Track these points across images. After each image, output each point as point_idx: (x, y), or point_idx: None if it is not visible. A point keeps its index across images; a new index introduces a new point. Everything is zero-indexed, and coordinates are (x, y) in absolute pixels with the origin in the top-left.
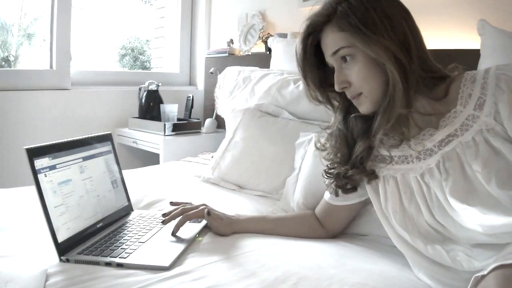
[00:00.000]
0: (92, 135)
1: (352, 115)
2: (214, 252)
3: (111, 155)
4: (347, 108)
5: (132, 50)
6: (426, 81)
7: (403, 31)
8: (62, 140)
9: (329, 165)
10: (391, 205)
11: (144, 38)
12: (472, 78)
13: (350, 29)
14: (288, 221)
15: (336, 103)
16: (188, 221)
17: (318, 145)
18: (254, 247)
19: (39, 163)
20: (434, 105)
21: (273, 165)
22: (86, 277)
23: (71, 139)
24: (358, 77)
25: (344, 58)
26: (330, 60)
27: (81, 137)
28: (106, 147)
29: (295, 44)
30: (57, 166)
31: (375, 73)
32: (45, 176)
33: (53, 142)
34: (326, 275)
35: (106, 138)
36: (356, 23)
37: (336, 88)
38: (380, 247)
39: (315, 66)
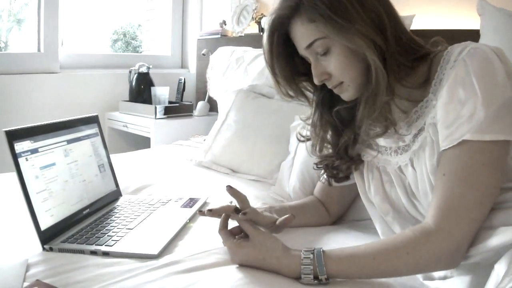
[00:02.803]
0: (77, 117)
1: (336, 108)
2: (206, 239)
3: (98, 138)
4: (324, 97)
5: (124, 35)
6: (404, 63)
7: (376, 10)
8: (45, 122)
9: (317, 157)
10: (374, 190)
11: (136, 23)
12: (448, 59)
13: (321, 19)
14: (306, 209)
15: (309, 94)
16: (180, 206)
17: (300, 137)
18: None
19: (20, 146)
20: (413, 92)
21: (267, 148)
22: (69, 267)
23: (54, 121)
24: (337, 68)
25: (320, 51)
26: (304, 53)
27: (65, 119)
28: (93, 130)
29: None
30: (39, 150)
31: (354, 61)
32: (26, 160)
33: (35, 124)
34: None
35: (92, 120)
36: (326, 12)
37: (316, 81)
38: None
39: (284, 60)
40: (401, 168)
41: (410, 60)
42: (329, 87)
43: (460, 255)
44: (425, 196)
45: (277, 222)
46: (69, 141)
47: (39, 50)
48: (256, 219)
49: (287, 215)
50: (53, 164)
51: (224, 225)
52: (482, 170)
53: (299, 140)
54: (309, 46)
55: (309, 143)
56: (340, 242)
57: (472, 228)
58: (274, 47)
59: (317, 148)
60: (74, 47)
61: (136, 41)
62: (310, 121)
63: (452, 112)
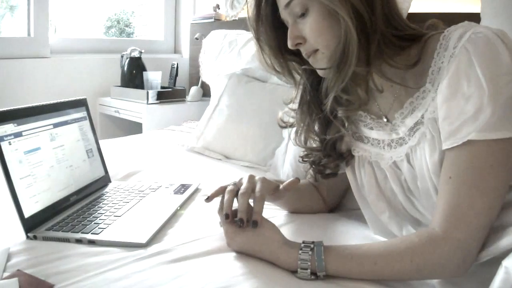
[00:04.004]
0: (65, 100)
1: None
2: (196, 227)
3: (86, 122)
4: (313, 83)
5: (118, 22)
6: (392, 41)
7: None
8: (29, 105)
9: (303, 151)
10: (367, 187)
11: (130, 10)
12: (446, 44)
13: None
14: (300, 193)
15: (297, 77)
16: (171, 193)
17: (282, 123)
18: None
19: (2, 129)
20: (404, 75)
21: (261, 134)
22: (53, 256)
23: (40, 103)
24: (313, 31)
25: (298, 11)
26: (284, 14)
27: (51, 101)
28: (81, 113)
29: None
30: (24, 133)
31: (331, 26)
32: (9, 144)
33: (19, 106)
34: None
35: (80, 104)
36: None
37: (289, 44)
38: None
39: (271, 26)
40: (396, 163)
41: (399, 39)
42: (303, 54)
43: (468, 264)
44: (426, 195)
45: (281, 187)
46: (56, 125)
47: (29, 34)
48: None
49: (291, 179)
50: (38, 148)
51: (228, 205)
52: (490, 172)
53: (280, 126)
54: (288, 4)
55: (293, 130)
56: (338, 231)
57: (481, 235)
58: (262, 5)
59: (302, 138)
60: (67, 34)
61: (130, 28)
62: (293, 106)
63: (455, 108)
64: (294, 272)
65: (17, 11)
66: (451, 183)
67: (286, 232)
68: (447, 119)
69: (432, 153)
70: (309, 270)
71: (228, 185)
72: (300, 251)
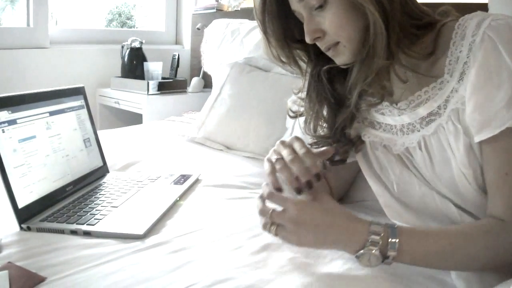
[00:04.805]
0: (62, 87)
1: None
2: (196, 219)
3: (84, 111)
4: (321, 70)
5: (119, 15)
6: (409, 30)
7: None
8: (25, 92)
9: (311, 137)
10: (389, 171)
11: (132, 2)
12: (463, 33)
13: None
14: None
15: (303, 65)
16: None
17: (291, 113)
18: (244, 214)
19: None
20: (419, 64)
21: (264, 124)
22: (46, 248)
23: (36, 90)
24: (333, 24)
25: (314, 3)
26: (296, 7)
27: (48, 89)
28: (78, 102)
29: None
30: (18, 121)
31: (353, 18)
32: (3, 131)
33: (13, 93)
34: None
35: (78, 92)
36: None
37: (307, 39)
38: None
39: (277, 18)
40: (409, 149)
41: (414, 27)
42: (322, 48)
43: None
44: (449, 183)
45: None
46: (52, 113)
47: (28, 24)
48: None
49: (326, 147)
50: (33, 137)
51: (292, 179)
52: None
53: (290, 116)
54: None
55: (302, 119)
56: None
57: None
58: (268, 0)
59: (311, 126)
60: (67, 25)
61: (132, 21)
62: (302, 95)
63: (486, 97)
64: (357, 251)
65: (18, 4)
66: (506, 177)
67: None
68: (478, 109)
69: (457, 144)
70: (378, 248)
71: (270, 163)
72: (372, 225)
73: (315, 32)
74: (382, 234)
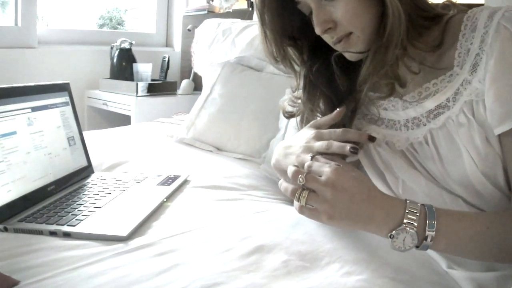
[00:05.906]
0: (45, 82)
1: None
2: (184, 220)
3: (68, 108)
4: (318, 68)
5: (111, 20)
6: (418, 22)
7: None
8: (5, 85)
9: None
10: (393, 168)
11: (123, 8)
12: (473, 25)
13: None
14: None
15: (295, 66)
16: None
17: (286, 114)
18: (235, 215)
19: None
20: (425, 56)
21: (255, 124)
22: (22, 250)
23: (17, 85)
24: (348, 13)
25: None
26: None
27: (31, 83)
28: (63, 98)
29: None
30: None
31: (368, 6)
32: None
33: None
34: (321, 250)
35: (62, 88)
36: None
37: (317, 31)
38: None
39: (276, 12)
40: (413, 145)
41: (422, 18)
42: (332, 41)
43: None
44: (460, 176)
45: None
46: (34, 109)
47: (16, 24)
48: None
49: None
50: (14, 132)
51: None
52: None
53: (285, 116)
54: None
55: (297, 118)
56: None
57: None
58: None
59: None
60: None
61: (123, 26)
62: (298, 93)
63: (507, 88)
64: (389, 232)
65: (9, 8)
66: None
67: (291, 221)
68: (498, 100)
69: (469, 137)
70: (415, 228)
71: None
72: (408, 202)
73: (326, 23)
74: (418, 214)
